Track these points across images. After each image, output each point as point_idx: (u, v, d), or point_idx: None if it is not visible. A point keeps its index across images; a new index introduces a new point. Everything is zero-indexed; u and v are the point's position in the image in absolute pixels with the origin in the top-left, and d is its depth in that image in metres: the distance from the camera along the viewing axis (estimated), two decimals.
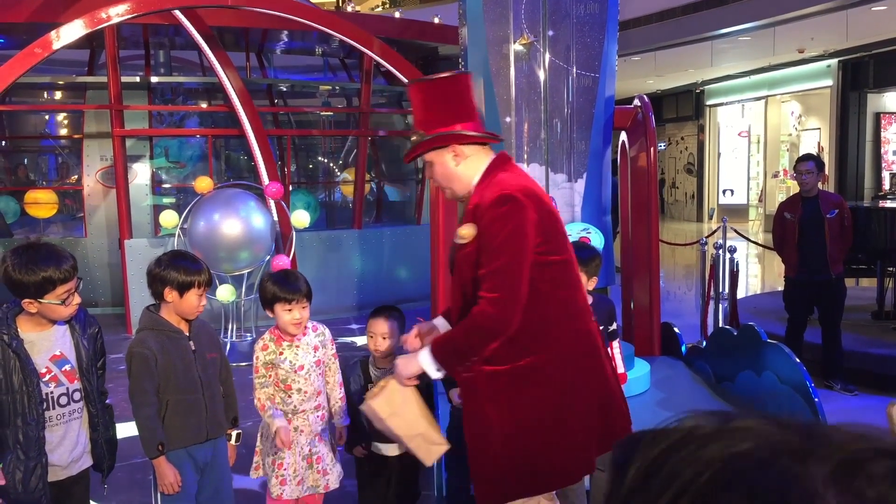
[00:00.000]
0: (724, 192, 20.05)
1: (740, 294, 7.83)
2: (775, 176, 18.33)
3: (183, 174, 9.63)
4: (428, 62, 10.66)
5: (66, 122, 10.89)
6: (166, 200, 9.19)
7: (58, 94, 10.52)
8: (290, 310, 3.16)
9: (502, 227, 2.38)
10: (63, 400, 2.74)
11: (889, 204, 7.93)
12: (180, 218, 7.36)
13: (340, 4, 19.45)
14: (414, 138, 2.65)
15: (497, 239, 2.38)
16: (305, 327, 3.25)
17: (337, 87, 11.12)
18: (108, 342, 3.01)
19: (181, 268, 2.94)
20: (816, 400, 3.77)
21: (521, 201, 2.39)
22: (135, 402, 2.89)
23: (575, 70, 5.08)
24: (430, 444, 2.69)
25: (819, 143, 16.29)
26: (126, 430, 3.30)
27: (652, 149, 5.60)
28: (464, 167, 2.59)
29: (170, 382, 2.91)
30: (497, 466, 2.48)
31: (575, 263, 2.58)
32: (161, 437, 2.86)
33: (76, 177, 9.61)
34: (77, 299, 2.67)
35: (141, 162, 9.05)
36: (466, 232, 2.46)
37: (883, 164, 15.16)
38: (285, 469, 3.17)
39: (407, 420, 2.65)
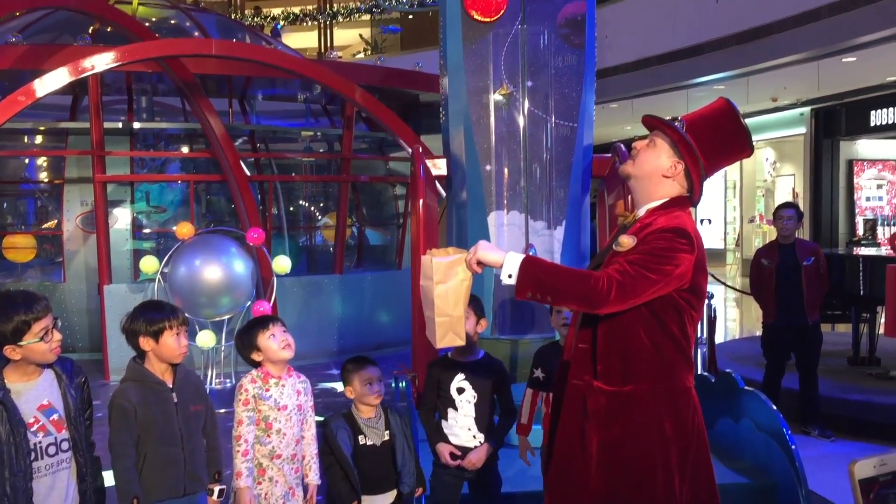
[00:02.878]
0: (701, 221, 20.14)
1: (718, 339, 7.89)
2: (751, 221, 18.57)
3: (164, 219, 9.63)
4: (409, 109, 10.79)
5: (46, 166, 10.87)
6: (147, 245, 9.17)
7: (39, 139, 10.52)
8: (273, 334, 3.20)
9: (668, 248, 2.43)
10: (51, 450, 2.72)
11: (863, 251, 8.07)
12: (161, 263, 7.35)
13: (323, 52, 19.68)
14: (670, 118, 2.65)
15: (658, 249, 2.42)
16: (290, 370, 3.29)
17: (319, 133, 11.21)
18: None
19: (149, 315, 2.97)
20: (793, 447, 3.80)
21: (695, 245, 2.47)
22: (113, 452, 2.90)
23: (554, 119, 5.18)
24: (452, 331, 2.64)
25: (794, 189, 16.56)
26: (110, 478, 3.28)
27: (629, 196, 5.68)
28: (663, 182, 2.60)
29: (149, 435, 2.91)
30: (577, 480, 2.50)
31: (697, 323, 2.63)
32: (136, 490, 2.85)
33: (56, 221, 9.58)
34: (57, 336, 2.68)
35: (122, 207, 9.05)
36: (627, 241, 2.49)
37: (857, 210, 15.42)
38: None
39: (450, 298, 2.60)
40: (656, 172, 2.60)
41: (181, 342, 2.98)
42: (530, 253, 4.78)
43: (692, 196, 2.64)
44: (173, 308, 3.06)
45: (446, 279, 2.58)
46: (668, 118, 2.68)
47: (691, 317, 2.55)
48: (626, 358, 2.49)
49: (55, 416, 2.73)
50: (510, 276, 2.43)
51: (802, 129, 15.61)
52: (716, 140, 2.61)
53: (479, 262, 2.52)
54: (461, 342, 2.71)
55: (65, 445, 2.75)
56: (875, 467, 1.74)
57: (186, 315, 3.12)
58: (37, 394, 2.70)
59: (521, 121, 5.14)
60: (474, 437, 3.53)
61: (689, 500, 2.50)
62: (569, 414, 2.59)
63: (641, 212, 2.63)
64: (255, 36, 12.08)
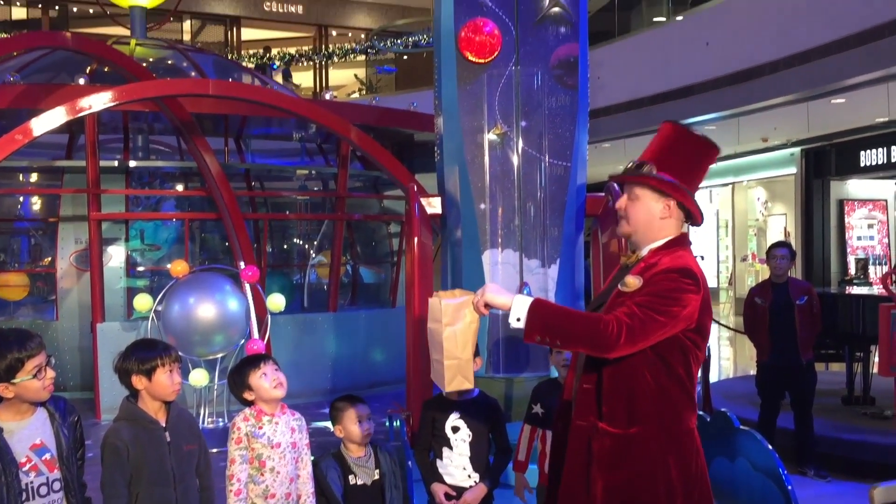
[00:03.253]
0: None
1: (713, 378, 7.88)
2: (744, 260, 18.64)
3: (158, 257, 9.62)
4: (403, 148, 10.87)
5: (41, 204, 10.88)
6: (140, 283, 9.15)
7: (34, 177, 10.55)
8: (264, 373, 3.19)
9: (675, 288, 2.43)
10: (43, 490, 2.69)
11: (855, 290, 8.11)
12: (154, 301, 7.33)
13: (318, 91, 19.87)
14: (630, 165, 2.64)
15: (665, 290, 2.42)
16: (284, 407, 3.28)
17: (314, 172, 11.27)
18: None
19: (141, 353, 2.97)
20: (790, 488, 3.78)
21: (700, 285, 2.48)
22: (105, 493, 2.88)
23: (547, 158, 5.22)
24: (460, 374, 2.63)
25: (785, 229, 16.66)
26: None
27: (623, 238, 5.71)
28: (662, 224, 2.60)
29: (141, 475, 2.89)
30: None
31: (701, 362, 2.62)
32: None
33: (49, 259, 9.57)
34: (50, 374, 2.67)
35: (116, 244, 9.05)
36: (633, 281, 2.48)
37: (848, 250, 15.50)
38: None
39: (458, 340, 2.58)
40: (653, 220, 2.62)
41: (174, 379, 2.97)
42: (525, 292, 4.79)
43: (693, 220, 2.66)
44: (166, 346, 3.05)
45: (454, 322, 2.57)
46: (630, 165, 2.67)
47: (696, 356, 2.55)
48: (632, 400, 2.48)
49: (47, 456, 2.70)
50: (518, 320, 2.42)
51: (793, 169, 15.76)
52: (686, 162, 2.63)
53: (487, 305, 2.51)
54: (469, 385, 2.70)
55: (56, 486, 2.73)
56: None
57: (179, 353, 3.12)
58: (29, 433, 2.68)
59: (515, 160, 5.18)
60: (469, 476, 3.51)
61: None
62: (573, 455, 2.57)
63: (644, 251, 2.64)
64: (251, 76, 12.20)
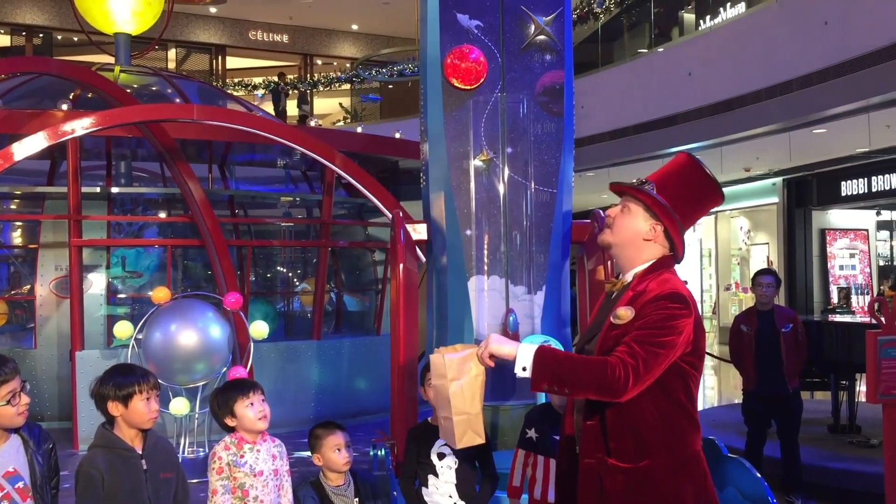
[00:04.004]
0: None
1: (699, 407, 7.85)
2: (727, 289, 18.70)
3: (139, 284, 9.52)
4: (388, 176, 10.87)
5: (21, 230, 10.77)
6: (121, 311, 9.04)
7: (14, 204, 10.44)
8: (251, 403, 3.13)
9: (668, 317, 2.42)
10: None
11: (839, 318, 8.12)
12: (135, 328, 7.23)
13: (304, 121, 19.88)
14: (635, 181, 2.64)
15: (659, 321, 2.41)
16: (264, 434, 3.21)
17: (298, 199, 11.24)
18: None
19: (118, 379, 2.89)
20: None
21: (690, 308, 2.47)
22: None
23: (533, 185, 5.21)
24: (471, 429, 2.58)
25: (768, 258, 16.75)
26: None
27: (609, 262, 5.69)
28: (645, 245, 2.59)
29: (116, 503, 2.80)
30: None
31: (699, 383, 2.61)
32: None
33: (29, 286, 9.45)
34: (25, 400, 2.60)
35: (97, 272, 8.94)
36: (626, 313, 2.47)
37: (830, 279, 15.60)
38: None
39: (465, 394, 2.54)
40: (636, 238, 2.60)
41: (151, 407, 2.90)
42: (511, 319, 4.75)
43: (675, 255, 2.65)
44: (144, 371, 2.98)
45: (459, 376, 2.54)
46: (634, 181, 2.68)
47: (695, 379, 2.55)
48: (638, 433, 2.46)
49: (20, 484, 2.63)
50: (524, 370, 2.40)
51: (775, 199, 15.88)
52: (687, 195, 2.63)
53: (492, 356, 2.49)
54: (481, 440, 2.65)
55: None
56: None
57: (158, 380, 3.04)
58: (2, 460, 2.61)
59: (500, 187, 5.17)
60: None
61: None
62: (585, 494, 2.52)
63: (629, 277, 2.63)
64: (236, 102, 12.18)
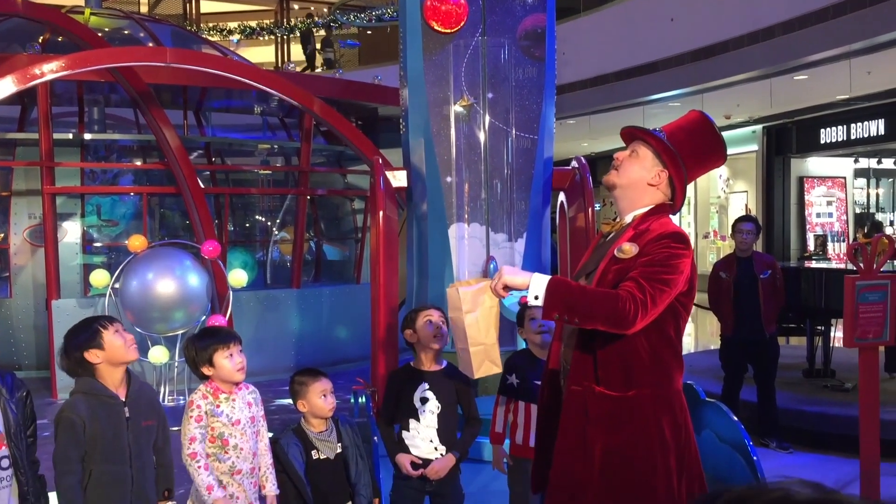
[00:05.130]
0: None
1: None
2: (706, 237, 18.82)
3: (116, 233, 9.40)
4: (368, 122, 10.73)
5: None
6: (97, 260, 8.93)
7: None
8: (230, 355, 3.10)
9: (671, 256, 2.49)
10: None
11: (815, 265, 8.19)
12: (112, 277, 7.15)
13: (280, 66, 19.55)
14: (654, 129, 2.69)
15: (663, 258, 2.48)
16: (239, 384, 3.19)
17: (276, 146, 11.09)
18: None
19: (83, 326, 2.88)
20: (755, 459, 3.79)
21: (690, 250, 2.56)
22: (58, 469, 2.76)
23: (514, 132, 5.16)
24: (488, 359, 2.65)
25: (747, 206, 16.83)
26: (55, 499, 3.13)
27: (590, 209, 5.68)
28: (647, 190, 2.65)
29: (96, 451, 2.78)
30: (579, 483, 2.52)
31: (687, 321, 2.68)
32: None
33: (2, 235, 9.30)
34: None
35: (71, 220, 8.81)
36: (630, 248, 2.53)
37: (807, 226, 15.72)
38: None
39: (480, 325, 2.60)
40: (641, 181, 2.65)
41: (126, 337, 2.88)
42: (491, 266, 4.75)
43: (674, 203, 2.72)
44: (99, 316, 2.98)
45: (474, 308, 2.59)
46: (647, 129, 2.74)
47: (684, 318, 2.63)
48: (628, 365, 2.53)
49: None
50: (536, 298, 2.46)
51: (755, 147, 15.89)
52: (695, 149, 2.69)
53: (506, 287, 2.53)
54: (498, 369, 2.71)
55: (5, 463, 2.62)
56: None
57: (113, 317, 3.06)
58: None
59: (481, 133, 5.11)
60: (436, 448, 3.47)
61: (686, 500, 2.57)
62: (568, 419, 2.60)
63: (628, 219, 2.68)
64: (210, 47, 11.92)
